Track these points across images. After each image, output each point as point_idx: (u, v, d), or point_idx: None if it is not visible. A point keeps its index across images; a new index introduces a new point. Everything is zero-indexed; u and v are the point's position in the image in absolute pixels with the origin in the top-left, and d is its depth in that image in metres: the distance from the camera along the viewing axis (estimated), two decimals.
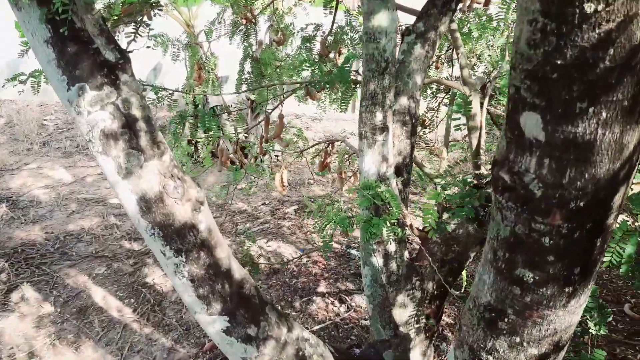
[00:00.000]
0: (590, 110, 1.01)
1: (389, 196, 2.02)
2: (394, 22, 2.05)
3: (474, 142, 2.44)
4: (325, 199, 5.92)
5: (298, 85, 2.81)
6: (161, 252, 1.79)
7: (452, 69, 3.37)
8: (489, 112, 2.71)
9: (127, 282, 4.36)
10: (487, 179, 2.20)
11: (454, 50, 2.87)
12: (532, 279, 1.30)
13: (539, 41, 1.01)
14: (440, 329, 3.72)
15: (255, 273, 2.87)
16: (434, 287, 2.31)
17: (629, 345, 3.34)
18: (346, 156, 4.16)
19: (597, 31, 0.93)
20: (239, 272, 1.96)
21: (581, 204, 1.13)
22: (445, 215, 2.27)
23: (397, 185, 2.21)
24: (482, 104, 2.48)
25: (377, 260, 2.23)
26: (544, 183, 1.14)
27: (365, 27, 2.00)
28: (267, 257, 4.89)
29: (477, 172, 2.28)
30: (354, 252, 4.89)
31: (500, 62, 2.88)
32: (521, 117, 1.13)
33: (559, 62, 0.99)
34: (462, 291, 3.82)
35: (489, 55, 3.09)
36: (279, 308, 3.94)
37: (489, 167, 2.39)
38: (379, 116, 2.06)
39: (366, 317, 3.93)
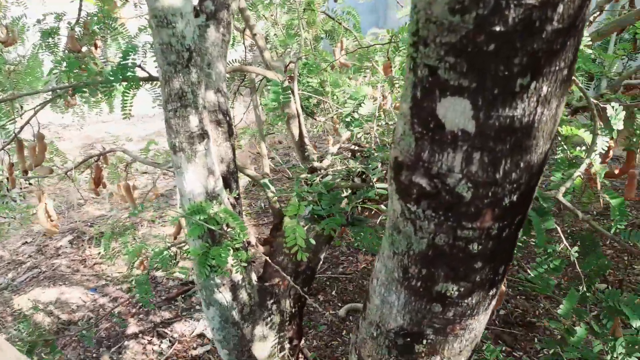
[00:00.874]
0: (532, 86, 0.81)
1: (228, 216, 1.61)
2: (188, 0, 1.60)
3: (295, 132, 2.17)
4: (107, 220, 5.02)
5: (58, 91, 2.09)
6: None
7: (245, 52, 3.03)
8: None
9: None
10: (326, 168, 1.96)
11: (245, 32, 2.54)
12: (456, 292, 1.10)
13: (469, 3, 0.75)
14: None
15: (53, 352, 2.12)
16: (292, 305, 2.01)
17: None
18: (121, 166, 3.50)
19: None
20: None
21: (514, 198, 0.95)
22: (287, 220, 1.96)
23: (229, 200, 1.80)
24: (292, 90, 2.21)
25: (224, 295, 1.81)
26: (474, 182, 0.92)
27: (152, 9, 1.51)
28: (49, 312, 3.87)
29: (309, 165, 2.02)
30: (159, 273, 4.25)
31: (289, 42, 2.66)
32: (439, 106, 0.87)
33: (498, 28, 0.75)
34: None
35: (275, 34, 2.84)
36: None
37: (318, 155, 2.16)
38: (193, 120, 1.60)
39: (195, 345, 3.43)
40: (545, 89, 0.81)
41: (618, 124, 1.73)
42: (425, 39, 0.83)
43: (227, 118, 1.95)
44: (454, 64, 0.81)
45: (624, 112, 1.69)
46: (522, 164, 0.90)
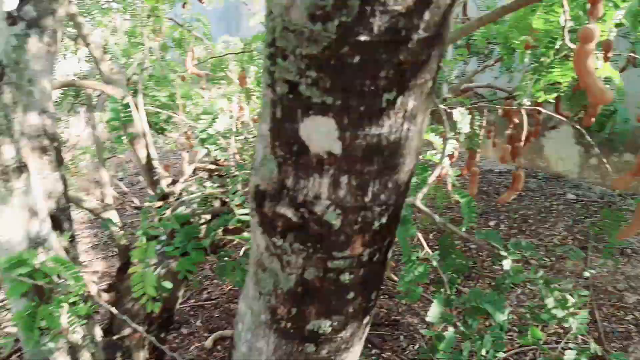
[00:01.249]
0: (399, 101, 0.74)
1: (58, 265, 1.34)
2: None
3: (142, 153, 1.94)
4: None
5: None
6: None
7: (79, 63, 2.62)
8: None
9: None
10: (179, 193, 1.77)
11: (77, 40, 2.20)
12: (330, 328, 1.00)
13: (331, 9, 0.65)
14: None
15: None
16: (149, 355, 1.75)
17: None
18: None
19: None
20: None
21: (384, 220, 0.88)
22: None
23: (60, 244, 1.50)
24: (136, 105, 1.97)
25: None
26: (342, 208, 0.82)
27: None
28: None
29: (160, 192, 1.81)
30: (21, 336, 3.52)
31: (132, 51, 2.39)
32: (302, 127, 0.76)
33: (363, 38, 0.66)
34: None
35: (115, 43, 2.51)
36: None
37: (169, 182, 1.94)
38: (8, 152, 1.31)
39: None
40: (411, 103, 0.75)
41: (464, 128, 1.82)
42: (283, 50, 0.72)
43: (55, 143, 1.64)
44: (316, 79, 0.71)
45: (469, 117, 1.78)
46: (390, 184, 0.83)
